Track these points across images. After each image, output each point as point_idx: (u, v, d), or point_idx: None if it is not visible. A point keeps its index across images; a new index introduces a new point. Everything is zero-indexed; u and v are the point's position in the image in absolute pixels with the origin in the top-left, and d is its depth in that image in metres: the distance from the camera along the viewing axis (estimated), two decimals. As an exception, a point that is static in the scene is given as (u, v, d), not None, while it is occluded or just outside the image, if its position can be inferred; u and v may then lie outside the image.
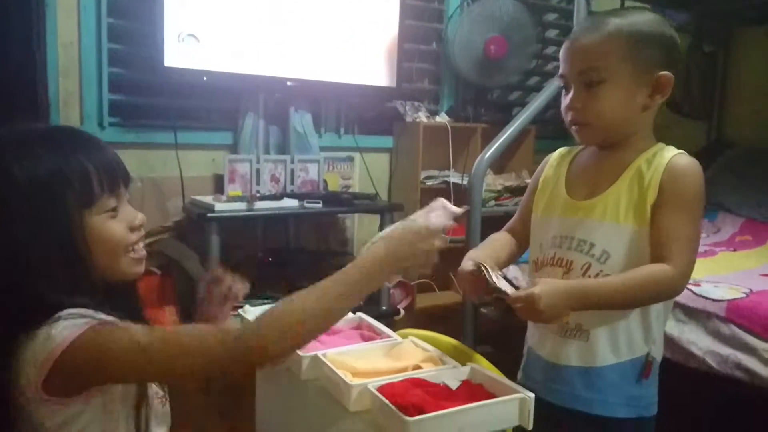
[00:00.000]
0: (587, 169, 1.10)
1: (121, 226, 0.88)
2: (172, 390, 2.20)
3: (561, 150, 1.18)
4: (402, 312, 3.11)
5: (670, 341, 1.77)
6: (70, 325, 0.78)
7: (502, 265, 1.11)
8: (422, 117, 3.25)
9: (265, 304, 2.73)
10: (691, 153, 3.39)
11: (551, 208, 1.12)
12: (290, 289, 3.07)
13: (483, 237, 2.59)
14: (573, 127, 1.06)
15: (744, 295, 1.70)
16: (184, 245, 2.79)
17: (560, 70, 1.07)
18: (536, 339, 1.14)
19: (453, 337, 2.87)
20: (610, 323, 1.04)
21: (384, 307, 2.96)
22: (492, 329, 3.01)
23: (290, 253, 2.98)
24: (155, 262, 2.69)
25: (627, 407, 1.06)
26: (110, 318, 0.83)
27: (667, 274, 0.97)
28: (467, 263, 1.07)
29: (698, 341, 1.70)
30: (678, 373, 1.80)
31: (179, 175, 2.74)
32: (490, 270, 1.01)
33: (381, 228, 2.94)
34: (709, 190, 2.99)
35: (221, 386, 2.29)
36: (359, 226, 3.30)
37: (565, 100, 1.05)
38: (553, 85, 2.95)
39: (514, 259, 1.21)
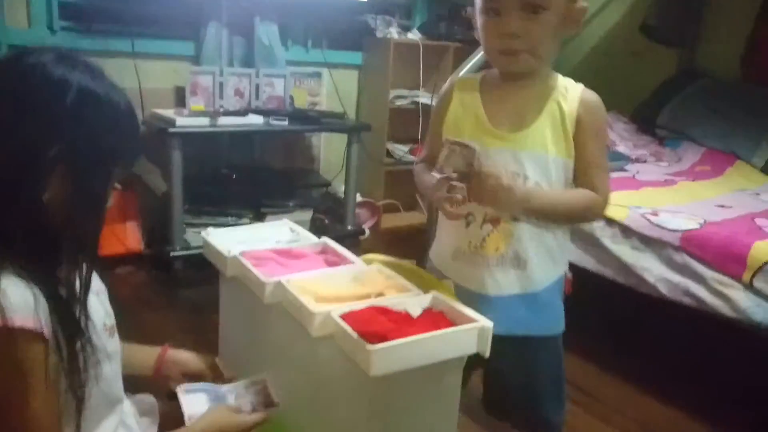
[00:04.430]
0: (505, 100, 1.07)
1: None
2: (136, 307, 2.19)
3: (461, 79, 1.14)
4: (367, 232, 3.13)
5: (625, 267, 1.84)
6: None
7: None
8: (393, 33, 3.15)
9: (230, 223, 2.71)
10: (660, 80, 3.35)
11: (475, 139, 1.05)
12: (255, 206, 3.04)
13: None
14: (506, 56, 1.02)
15: (699, 226, 1.76)
16: (145, 159, 2.72)
17: None
18: (461, 275, 1.12)
19: (417, 257, 2.92)
20: (544, 248, 1.08)
21: (350, 227, 2.98)
22: (455, 250, 3.08)
23: (255, 170, 2.94)
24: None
25: (557, 323, 1.12)
26: (40, 321, 0.75)
27: (598, 200, 1.07)
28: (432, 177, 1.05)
29: (652, 268, 1.77)
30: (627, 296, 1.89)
31: (138, 87, 2.62)
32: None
33: (348, 147, 2.90)
34: (675, 118, 2.98)
35: (186, 303, 2.31)
36: (326, 144, 3.25)
37: (498, 26, 1.00)
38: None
39: None
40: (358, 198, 3.14)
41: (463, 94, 1.11)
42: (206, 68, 2.71)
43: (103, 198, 0.84)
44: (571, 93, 1.06)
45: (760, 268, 1.57)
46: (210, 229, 1.26)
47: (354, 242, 3.02)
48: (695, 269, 1.68)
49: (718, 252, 1.65)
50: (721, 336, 1.82)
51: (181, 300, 2.35)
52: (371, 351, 0.83)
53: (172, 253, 2.47)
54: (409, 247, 3.05)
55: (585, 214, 1.13)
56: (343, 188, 3.02)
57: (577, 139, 1.05)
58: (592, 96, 1.07)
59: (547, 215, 1.07)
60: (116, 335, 0.95)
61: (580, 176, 1.07)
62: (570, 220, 1.14)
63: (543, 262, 1.09)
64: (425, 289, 1.07)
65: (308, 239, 1.30)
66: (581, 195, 1.07)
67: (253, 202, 2.77)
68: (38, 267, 0.77)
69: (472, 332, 0.92)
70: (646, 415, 1.74)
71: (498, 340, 1.06)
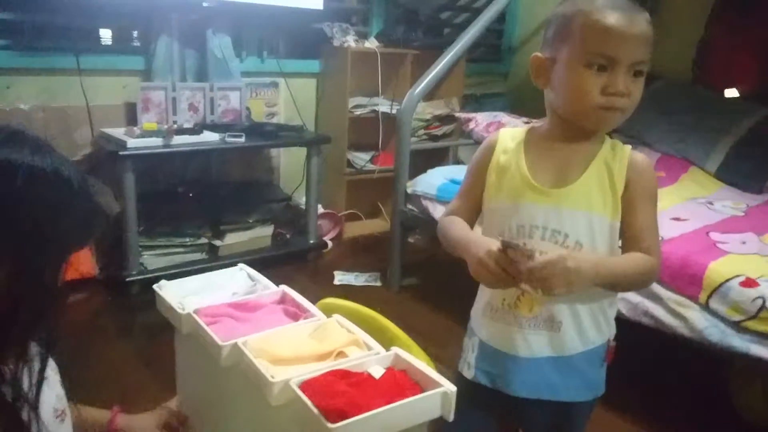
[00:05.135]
0: (552, 155, 1.04)
1: None
2: (91, 337, 2.11)
3: (508, 132, 1.11)
4: (330, 244, 3.10)
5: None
6: None
7: None
8: (351, 41, 3.10)
9: (186, 244, 2.64)
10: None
11: (515, 195, 1.04)
12: (214, 224, 2.97)
13: (412, 170, 2.61)
14: (606, 111, 0.97)
15: (656, 245, 1.78)
16: (97, 180, 2.62)
17: (605, 50, 0.95)
18: (490, 333, 1.08)
19: (380, 267, 2.90)
20: (578, 312, 1.04)
21: (312, 240, 2.94)
22: (418, 259, 3.08)
23: (213, 186, 2.87)
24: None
25: (588, 390, 1.08)
26: None
27: (654, 265, 1.02)
28: (487, 246, 0.98)
29: (611, 288, 1.78)
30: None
31: (85, 105, 2.52)
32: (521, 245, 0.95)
33: (308, 160, 2.86)
34: (630, 122, 3.07)
35: (143, 329, 2.24)
36: (286, 156, 3.19)
37: (605, 82, 0.96)
38: (491, 11, 2.85)
39: None
40: (320, 209, 3.11)
41: (506, 147, 1.09)
42: (158, 83, 2.63)
43: (56, 286, 0.77)
44: (619, 153, 1.03)
45: (715, 290, 1.60)
46: (162, 282, 1.21)
47: (317, 255, 2.99)
48: (653, 290, 1.70)
49: (675, 273, 1.67)
50: (678, 352, 1.86)
51: (139, 326, 2.28)
52: (333, 429, 0.81)
53: (127, 278, 2.40)
54: (372, 256, 3.04)
55: (644, 281, 1.07)
56: (304, 200, 2.98)
57: (628, 202, 1.01)
58: (642, 157, 1.05)
59: (611, 285, 1.03)
60: (67, 418, 0.90)
61: (631, 240, 1.03)
62: (629, 288, 1.12)
63: (578, 325, 1.04)
64: (386, 342, 1.05)
65: (266, 287, 1.26)
66: (640, 261, 1.01)
67: (212, 219, 2.71)
68: None
69: (435, 398, 0.90)
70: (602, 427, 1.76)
71: (526, 403, 1.07)
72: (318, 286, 2.63)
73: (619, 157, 1.03)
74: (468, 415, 1.10)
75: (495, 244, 0.97)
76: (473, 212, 1.14)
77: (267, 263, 2.71)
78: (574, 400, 1.07)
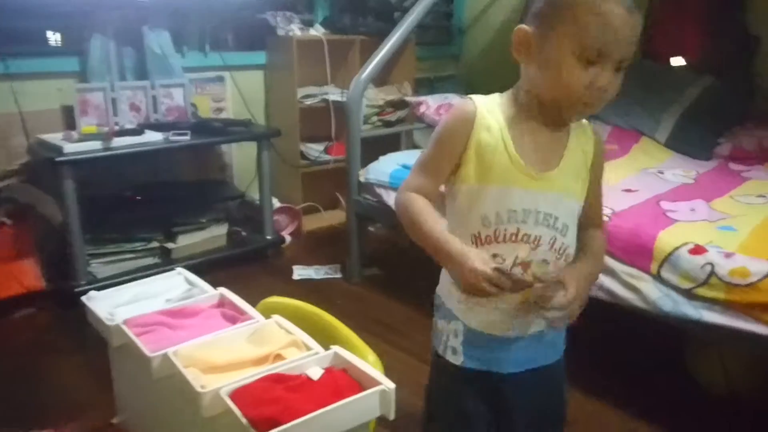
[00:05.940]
0: (533, 135, 1.00)
1: None
2: (40, 354, 2.03)
3: (484, 105, 1.01)
4: (288, 238, 3.04)
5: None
6: None
7: None
8: (295, 30, 3.02)
9: (137, 249, 2.55)
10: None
11: (505, 180, 0.99)
12: (166, 227, 2.87)
13: (364, 158, 2.57)
14: (588, 107, 0.94)
15: (607, 218, 1.77)
16: (37, 188, 2.52)
17: (603, 47, 0.90)
18: (480, 319, 1.04)
19: (340, 260, 2.85)
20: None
21: (269, 236, 2.88)
22: (379, 249, 3.04)
23: (162, 187, 2.77)
24: (4, 211, 2.42)
25: (562, 346, 1.11)
26: None
27: (605, 239, 1.09)
28: (471, 264, 0.92)
29: (565, 265, 1.77)
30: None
31: (17, 111, 2.40)
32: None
33: (259, 154, 2.79)
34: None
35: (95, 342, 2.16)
36: (238, 152, 3.11)
37: (592, 76, 0.91)
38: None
39: None
40: (276, 204, 3.04)
41: (488, 124, 1.00)
42: (95, 84, 2.52)
43: None
44: (586, 132, 1.03)
45: (665, 259, 1.59)
46: (92, 293, 1.16)
47: (276, 251, 2.93)
48: (606, 263, 1.69)
49: (626, 245, 1.67)
50: (635, 327, 1.86)
51: (90, 339, 2.15)
52: (262, 440, 0.77)
53: (76, 289, 2.31)
54: (332, 249, 2.99)
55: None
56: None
57: (591, 181, 1.04)
58: (598, 131, 1.06)
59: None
60: None
61: (589, 218, 1.06)
62: None
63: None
64: (331, 340, 1.01)
65: (204, 291, 1.21)
66: (601, 241, 1.07)
67: (163, 222, 2.62)
68: None
69: (373, 397, 0.87)
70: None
71: (513, 376, 1.05)
72: (277, 283, 2.58)
73: (587, 137, 1.03)
74: (460, 400, 1.07)
75: (477, 258, 0.92)
76: (438, 192, 1.05)
77: (224, 263, 2.65)
78: (552, 361, 1.09)
